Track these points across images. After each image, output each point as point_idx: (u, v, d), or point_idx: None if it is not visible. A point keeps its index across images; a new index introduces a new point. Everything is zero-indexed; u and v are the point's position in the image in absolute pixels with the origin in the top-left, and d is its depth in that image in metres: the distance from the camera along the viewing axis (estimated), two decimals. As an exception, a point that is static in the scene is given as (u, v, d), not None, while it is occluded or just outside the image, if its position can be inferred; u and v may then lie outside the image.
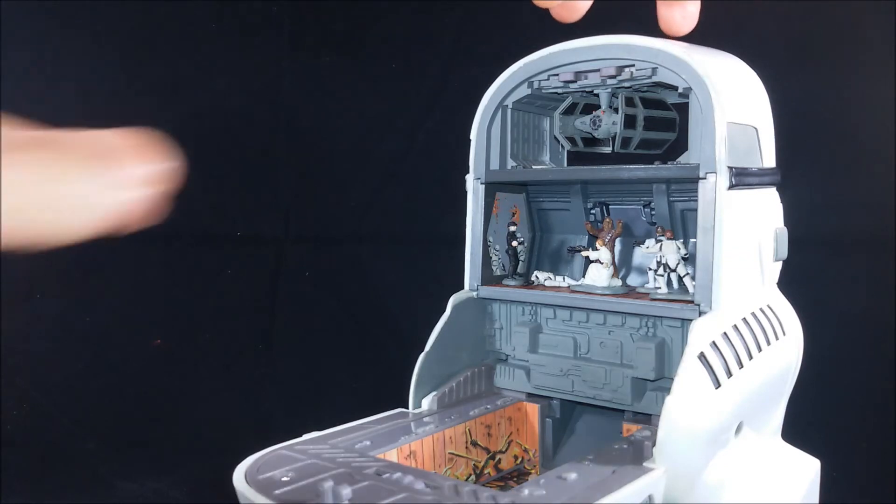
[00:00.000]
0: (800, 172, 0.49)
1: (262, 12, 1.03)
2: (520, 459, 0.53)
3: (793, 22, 0.43)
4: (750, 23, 0.42)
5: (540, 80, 0.47)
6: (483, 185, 0.52)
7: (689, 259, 0.48)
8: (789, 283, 0.48)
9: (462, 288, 0.53)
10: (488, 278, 0.53)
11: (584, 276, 0.51)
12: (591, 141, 0.53)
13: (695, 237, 0.42)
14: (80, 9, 0.96)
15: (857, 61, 0.76)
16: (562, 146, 0.55)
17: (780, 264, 0.48)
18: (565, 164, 0.57)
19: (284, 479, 0.36)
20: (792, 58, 0.74)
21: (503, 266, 0.54)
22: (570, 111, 0.53)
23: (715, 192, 0.41)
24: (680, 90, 0.42)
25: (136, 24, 0.98)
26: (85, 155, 0.22)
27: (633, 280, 0.52)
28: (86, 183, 0.22)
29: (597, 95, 0.49)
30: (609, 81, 0.45)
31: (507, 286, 0.53)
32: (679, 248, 0.47)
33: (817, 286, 0.72)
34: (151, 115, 0.85)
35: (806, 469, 0.48)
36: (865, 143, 0.77)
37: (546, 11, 0.42)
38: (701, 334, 0.40)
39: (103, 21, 0.97)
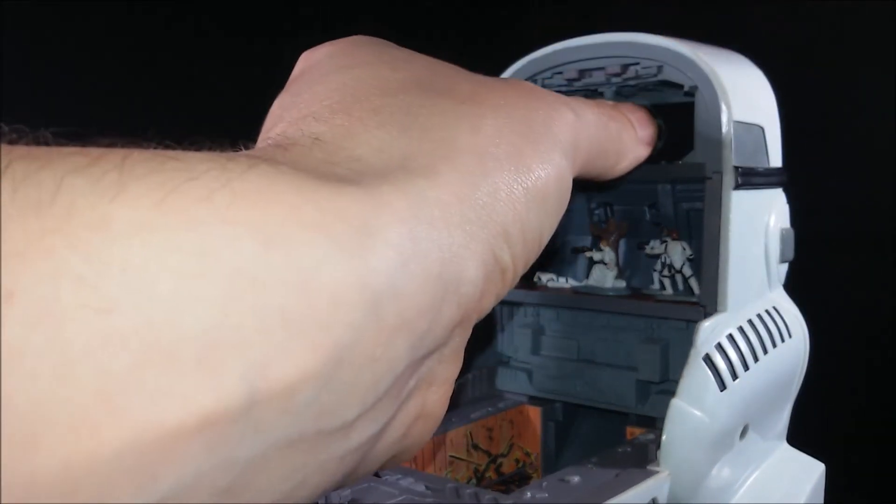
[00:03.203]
0: (801, 172, 0.49)
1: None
2: (521, 463, 0.52)
3: (796, 21, 0.43)
4: (754, 22, 0.41)
5: (544, 78, 0.47)
6: None
7: (694, 260, 0.47)
8: (792, 284, 0.48)
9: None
10: None
11: (587, 278, 0.50)
12: None
13: (700, 238, 0.42)
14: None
15: (859, 61, 0.76)
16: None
17: (785, 266, 0.47)
18: None
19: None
20: (795, 57, 0.74)
21: (505, 267, 0.54)
22: (573, 110, 0.52)
23: (721, 192, 0.41)
24: (686, 88, 0.42)
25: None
26: None
27: (637, 281, 0.51)
28: None
29: (601, 94, 0.49)
30: (614, 80, 0.45)
31: None
32: (684, 249, 0.47)
33: (819, 287, 0.71)
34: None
35: (810, 473, 0.47)
36: (867, 142, 0.76)
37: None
38: (706, 336, 0.39)
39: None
